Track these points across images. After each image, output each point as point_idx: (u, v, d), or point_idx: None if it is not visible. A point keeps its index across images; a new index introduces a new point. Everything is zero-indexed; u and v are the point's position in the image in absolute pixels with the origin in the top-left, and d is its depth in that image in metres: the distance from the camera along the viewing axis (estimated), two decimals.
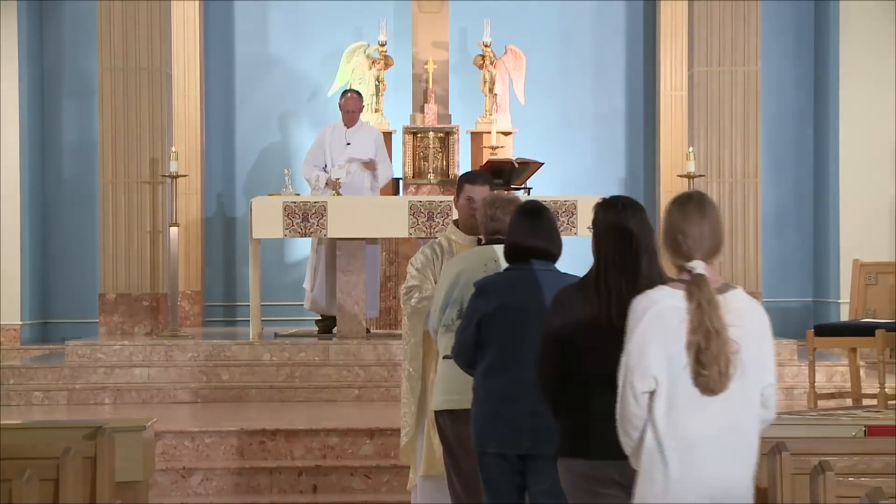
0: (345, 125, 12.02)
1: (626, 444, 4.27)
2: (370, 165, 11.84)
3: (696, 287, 4.18)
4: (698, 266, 4.24)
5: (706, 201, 4.32)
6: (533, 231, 5.66)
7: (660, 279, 4.73)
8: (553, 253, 5.71)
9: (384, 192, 12.88)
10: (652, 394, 4.18)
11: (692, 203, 4.30)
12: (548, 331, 4.94)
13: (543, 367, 4.96)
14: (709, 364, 4.12)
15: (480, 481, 5.74)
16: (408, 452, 7.07)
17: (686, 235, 4.26)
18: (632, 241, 4.86)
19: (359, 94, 12.28)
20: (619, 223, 4.89)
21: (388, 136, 13.02)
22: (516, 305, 5.63)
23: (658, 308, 4.20)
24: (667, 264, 4.63)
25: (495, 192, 6.49)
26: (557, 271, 5.71)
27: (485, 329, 5.68)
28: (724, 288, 4.26)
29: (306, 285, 12.02)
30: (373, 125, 12.60)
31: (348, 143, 11.96)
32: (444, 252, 6.82)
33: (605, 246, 4.90)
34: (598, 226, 4.95)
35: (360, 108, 12.13)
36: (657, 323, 4.19)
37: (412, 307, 6.81)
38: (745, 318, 4.22)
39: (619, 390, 4.24)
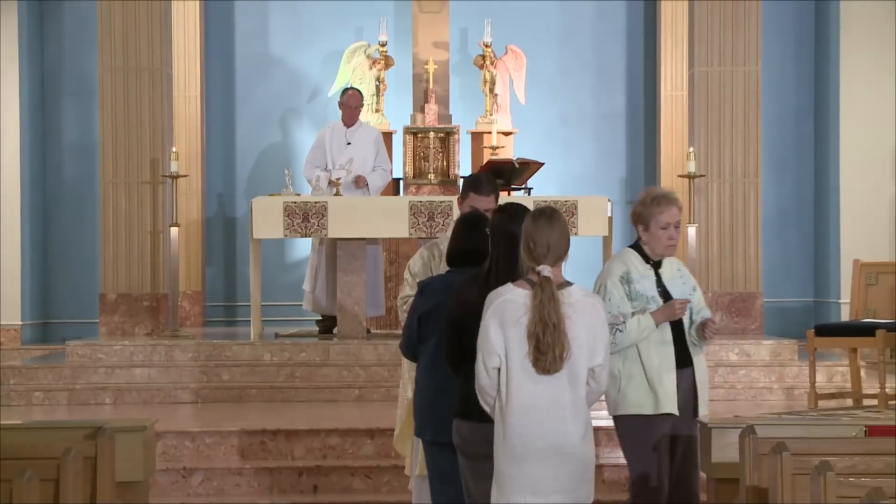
0: (344, 124, 12.01)
1: (486, 407, 5.36)
2: (360, 182, 11.81)
3: (540, 287, 5.18)
4: (545, 269, 5.22)
5: (556, 216, 5.29)
6: (472, 238, 6.18)
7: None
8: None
9: (384, 192, 12.89)
10: (499, 369, 5.23)
11: (543, 217, 5.28)
12: (448, 316, 5.71)
13: (446, 345, 5.74)
14: (546, 350, 5.14)
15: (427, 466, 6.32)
16: (403, 440, 7.09)
17: (536, 243, 5.24)
18: (518, 243, 5.45)
19: (359, 91, 12.29)
20: (508, 228, 5.60)
21: (388, 136, 13.02)
22: None
23: (499, 301, 5.25)
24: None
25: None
26: None
27: (423, 326, 6.19)
28: (564, 285, 5.26)
29: (306, 286, 12.02)
30: (373, 125, 12.61)
31: (349, 143, 11.96)
32: (442, 255, 6.82)
33: (497, 246, 5.64)
34: (492, 229, 5.70)
35: (361, 106, 12.14)
36: (498, 313, 5.22)
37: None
38: (579, 310, 5.23)
39: (476, 367, 5.29)
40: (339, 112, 12.07)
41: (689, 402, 6.52)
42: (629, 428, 6.52)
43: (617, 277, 6.51)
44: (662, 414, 6.42)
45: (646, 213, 6.52)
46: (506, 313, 5.21)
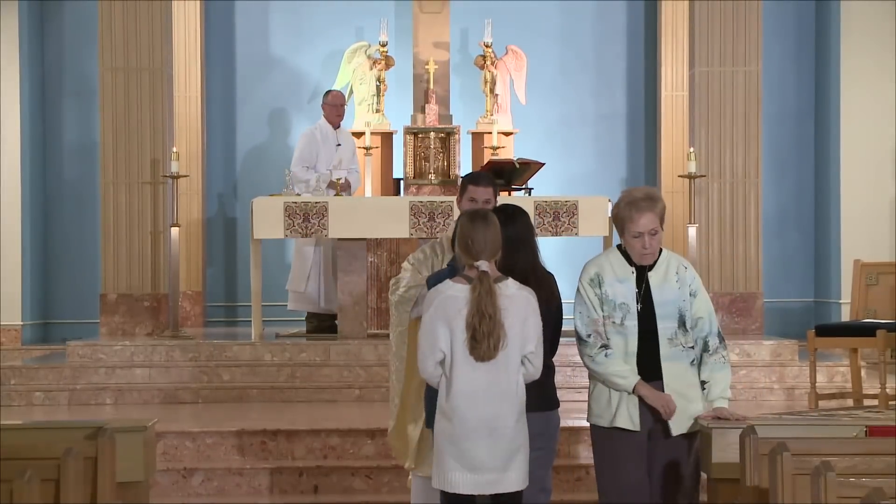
0: (332, 125, 12.17)
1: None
2: (344, 186, 11.94)
3: (478, 280, 5.62)
4: (483, 264, 5.65)
5: (490, 217, 5.77)
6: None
7: (531, 271, 6.05)
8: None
9: (385, 191, 12.91)
10: (442, 361, 5.69)
11: (479, 217, 5.75)
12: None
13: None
14: (482, 339, 5.59)
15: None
16: (394, 438, 7.06)
17: (474, 241, 5.67)
18: (517, 244, 6.03)
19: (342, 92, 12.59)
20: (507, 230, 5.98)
21: (388, 136, 13.08)
22: None
23: (441, 298, 5.68)
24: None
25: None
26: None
27: None
28: (500, 279, 5.69)
29: (300, 287, 12.09)
30: (374, 126, 12.71)
31: (339, 145, 12.13)
32: (444, 252, 6.82)
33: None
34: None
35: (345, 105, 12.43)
36: (441, 310, 5.67)
37: (399, 296, 6.78)
38: (514, 302, 5.67)
39: (419, 360, 5.76)
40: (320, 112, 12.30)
41: (659, 418, 6.10)
42: (593, 436, 6.29)
43: (587, 280, 6.12)
44: (620, 428, 6.12)
45: (620, 217, 6.04)
46: (448, 308, 5.65)
